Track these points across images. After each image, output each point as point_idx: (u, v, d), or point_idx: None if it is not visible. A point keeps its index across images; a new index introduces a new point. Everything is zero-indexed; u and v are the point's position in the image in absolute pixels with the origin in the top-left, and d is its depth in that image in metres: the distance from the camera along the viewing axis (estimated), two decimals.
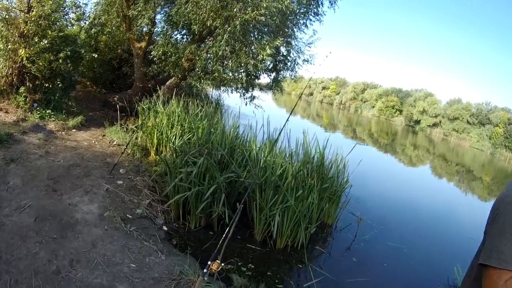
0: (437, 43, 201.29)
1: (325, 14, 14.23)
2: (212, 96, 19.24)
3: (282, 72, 15.29)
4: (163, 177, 7.78)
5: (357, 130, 46.31)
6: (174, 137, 9.42)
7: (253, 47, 11.50)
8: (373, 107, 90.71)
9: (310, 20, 14.21)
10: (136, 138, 9.96)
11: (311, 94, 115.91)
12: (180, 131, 9.68)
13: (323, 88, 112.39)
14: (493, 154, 63.09)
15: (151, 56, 12.57)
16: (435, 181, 22.97)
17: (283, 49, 14.18)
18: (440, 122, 76.62)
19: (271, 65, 14.74)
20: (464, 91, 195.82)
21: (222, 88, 15.62)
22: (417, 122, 78.63)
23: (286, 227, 6.56)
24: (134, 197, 6.77)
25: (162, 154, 9.24)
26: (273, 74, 15.35)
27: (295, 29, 14.00)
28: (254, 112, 13.48)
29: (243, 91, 14.98)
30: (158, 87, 12.20)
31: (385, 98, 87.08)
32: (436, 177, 24.88)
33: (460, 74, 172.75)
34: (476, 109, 74.85)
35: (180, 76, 13.61)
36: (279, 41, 11.64)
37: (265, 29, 12.26)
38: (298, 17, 13.71)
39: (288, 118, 5.94)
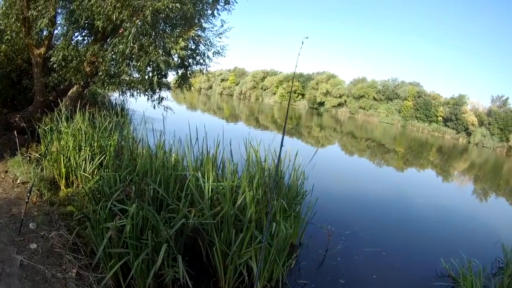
0: (337, 26, 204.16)
1: (237, 2, 12.86)
2: (116, 102, 17.68)
3: (191, 67, 13.72)
4: (83, 222, 5.74)
5: (260, 118, 45.95)
6: (84, 162, 7.63)
7: (164, 41, 9.89)
8: (275, 93, 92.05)
9: (218, 9, 12.72)
10: (42, 170, 7.85)
11: (210, 87, 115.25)
12: (90, 153, 7.86)
13: (222, 80, 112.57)
14: (404, 127, 67.21)
15: (51, 63, 10.64)
16: (358, 161, 23.01)
17: (191, 42, 12.49)
18: (345, 101, 79.54)
19: (179, 61, 12.97)
20: (369, 71, 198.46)
21: (128, 92, 14.32)
22: (321, 104, 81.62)
23: (262, 271, 5.11)
24: (55, 268, 4.61)
25: (77, 189, 7.35)
26: (181, 70, 13.74)
27: (202, 20, 12.43)
28: (163, 115, 11.75)
29: (151, 93, 13.52)
30: (59, 100, 10.28)
31: (286, 84, 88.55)
32: (358, 157, 25.04)
33: (364, 55, 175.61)
34: (382, 86, 78.59)
35: (82, 83, 11.75)
36: (193, 32, 10.51)
37: (178, 20, 10.71)
38: (205, 7, 12.26)
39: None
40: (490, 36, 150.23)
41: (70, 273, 4.54)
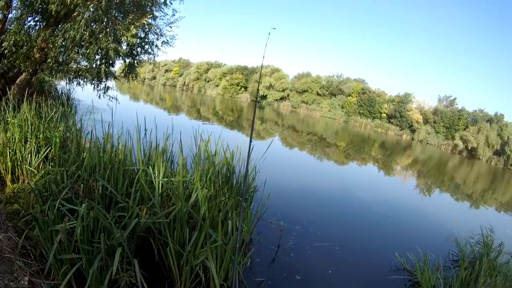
0: (285, 21, 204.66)
1: None
2: (62, 91, 17.03)
3: (139, 56, 13.28)
4: (31, 222, 5.19)
5: (202, 109, 45.52)
6: (30, 155, 7.02)
7: (115, 28, 9.52)
8: (217, 85, 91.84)
9: None
10: None
11: (154, 78, 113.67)
12: (35, 145, 7.27)
13: (166, 71, 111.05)
14: (346, 122, 68.41)
15: (2, 49, 10.08)
16: (300, 155, 23.02)
17: (141, 31, 12.08)
18: (288, 95, 79.76)
19: (128, 49, 12.55)
20: (314, 67, 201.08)
21: (75, 81, 13.63)
22: (264, 97, 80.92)
23: (219, 270, 4.89)
24: (7, 276, 4.11)
25: (23, 184, 6.79)
26: (129, 59, 13.25)
27: (154, 8, 12.05)
28: (108, 105, 11.28)
29: (97, 82, 13.04)
30: (7, 88, 9.75)
31: (230, 76, 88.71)
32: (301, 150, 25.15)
33: (310, 51, 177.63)
34: (326, 81, 79.55)
35: (31, 70, 11.12)
36: (145, 20, 10.24)
37: (131, 7, 10.31)
38: None
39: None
40: (441, 36, 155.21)
41: (22, 282, 4.14)
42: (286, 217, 8.42)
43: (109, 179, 5.59)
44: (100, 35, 9.46)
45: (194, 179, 5.86)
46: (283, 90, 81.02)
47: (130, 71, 13.41)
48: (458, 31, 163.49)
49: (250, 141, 4.33)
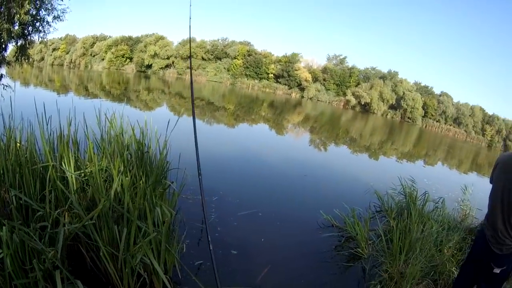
0: None
1: None
2: None
3: (30, 36, 12.31)
4: None
5: (89, 86, 43.11)
6: None
7: (10, 5, 8.67)
8: (103, 59, 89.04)
9: None
10: None
11: (43, 59, 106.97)
12: None
13: (54, 49, 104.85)
14: (233, 84, 68.92)
15: None
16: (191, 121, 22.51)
17: (32, 7, 11.23)
18: (173, 62, 79.24)
19: (20, 29, 11.60)
20: (200, 32, 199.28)
21: None
22: (149, 66, 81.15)
23: (159, 264, 4.44)
24: None
25: None
26: (21, 41, 12.26)
27: None
28: (2, 95, 10.31)
29: None
30: None
31: (115, 48, 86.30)
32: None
33: (195, 14, 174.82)
34: (211, 46, 79.24)
35: None
36: None
37: None
38: None
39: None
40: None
41: None
42: (198, 190, 7.99)
43: (20, 185, 4.77)
44: None
45: (108, 166, 5.42)
46: (168, 58, 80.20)
47: (22, 53, 12.53)
48: None
49: (194, 116, 3.98)
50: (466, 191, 11.22)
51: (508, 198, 3.92)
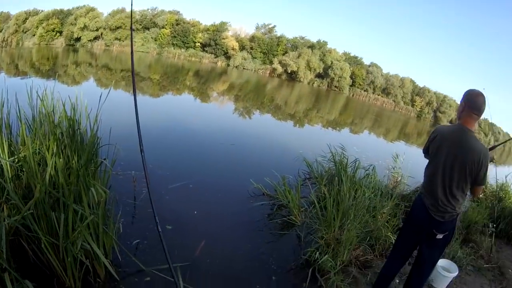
0: None
1: None
2: None
3: None
4: None
5: (20, 64, 40.92)
6: None
7: None
8: (34, 35, 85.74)
9: None
10: None
11: None
12: None
13: None
14: (160, 54, 68.15)
15: None
16: (118, 94, 21.51)
17: None
18: (101, 34, 77.37)
19: None
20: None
21: None
22: (78, 39, 77.54)
23: (99, 248, 4.32)
24: None
25: None
26: None
27: None
28: None
29: None
30: None
31: (46, 23, 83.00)
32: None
33: None
34: (140, 16, 77.63)
35: None
36: None
37: None
38: None
39: None
40: None
41: None
42: (129, 165, 7.82)
43: None
44: None
45: (41, 147, 5.15)
46: (97, 29, 77.97)
47: None
48: None
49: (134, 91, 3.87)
50: (397, 159, 11.56)
51: (450, 171, 4.17)
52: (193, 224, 6.56)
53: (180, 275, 4.58)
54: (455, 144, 4.16)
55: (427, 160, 4.61)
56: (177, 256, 5.06)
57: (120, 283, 4.55)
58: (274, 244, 6.73)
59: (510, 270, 7.94)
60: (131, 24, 5.52)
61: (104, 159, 5.88)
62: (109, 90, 6.78)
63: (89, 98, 6.22)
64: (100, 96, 5.67)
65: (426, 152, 4.65)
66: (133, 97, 4.76)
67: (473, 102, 4.18)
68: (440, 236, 4.36)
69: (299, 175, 10.07)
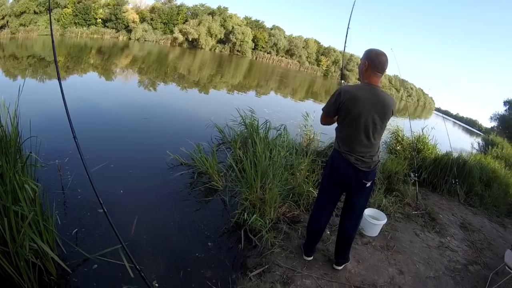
0: None
1: None
2: None
3: None
4: None
5: None
6: None
7: None
8: None
9: None
10: None
11: None
12: None
13: None
14: (63, 35, 66.00)
15: None
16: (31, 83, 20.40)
17: None
18: (7, 22, 73.64)
19: None
20: None
21: None
22: None
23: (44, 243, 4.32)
24: None
25: None
26: None
27: None
28: None
29: None
30: None
31: None
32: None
33: None
34: None
35: None
36: None
37: None
38: None
39: None
40: None
41: None
42: (52, 154, 7.74)
43: None
44: None
45: None
46: (3, 18, 74.29)
47: None
48: None
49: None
50: (308, 118, 11.95)
51: (373, 127, 4.51)
52: (121, 204, 6.62)
53: (124, 256, 4.64)
54: (371, 102, 4.38)
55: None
56: (115, 238, 4.83)
57: (73, 276, 4.65)
58: (202, 211, 7.03)
59: (440, 215, 8.64)
60: (49, 4, 5.47)
61: (30, 153, 5.62)
62: (24, 82, 6.63)
63: (4, 91, 6.01)
64: (19, 89, 5.32)
65: (333, 113, 4.67)
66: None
67: (377, 62, 4.37)
68: (368, 184, 4.83)
69: (212, 142, 10.36)
